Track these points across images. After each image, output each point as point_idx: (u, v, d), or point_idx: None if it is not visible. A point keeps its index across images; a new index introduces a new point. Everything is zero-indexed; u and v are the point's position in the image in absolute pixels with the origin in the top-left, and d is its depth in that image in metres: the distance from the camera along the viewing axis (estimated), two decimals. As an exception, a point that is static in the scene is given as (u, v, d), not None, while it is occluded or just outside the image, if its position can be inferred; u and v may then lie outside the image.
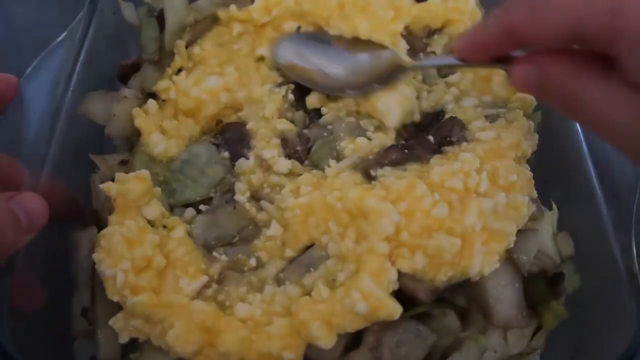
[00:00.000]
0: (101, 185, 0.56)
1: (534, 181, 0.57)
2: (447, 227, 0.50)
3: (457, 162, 0.54)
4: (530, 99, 0.63)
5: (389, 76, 0.61)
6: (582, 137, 0.59)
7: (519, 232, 0.53)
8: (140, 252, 0.52)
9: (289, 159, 0.59)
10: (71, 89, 0.61)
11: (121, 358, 0.54)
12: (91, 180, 0.62)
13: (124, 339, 0.51)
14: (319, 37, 0.65)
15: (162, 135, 0.62)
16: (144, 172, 0.57)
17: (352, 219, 0.52)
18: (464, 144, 0.58)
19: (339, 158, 0.59)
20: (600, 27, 0.36)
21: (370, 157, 0.58)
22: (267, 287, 0.52)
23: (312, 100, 0.64)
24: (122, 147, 0.67)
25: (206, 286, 0.52)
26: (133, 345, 0.53)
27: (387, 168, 0.56)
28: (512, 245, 0.53)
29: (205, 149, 0.61)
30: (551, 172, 0.61)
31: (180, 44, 0.66)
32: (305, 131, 0.62)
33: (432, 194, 0.51)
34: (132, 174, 0.56)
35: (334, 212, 0.52)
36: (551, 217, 0.58)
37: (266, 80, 0.65)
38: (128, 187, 0.55)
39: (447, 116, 0.62)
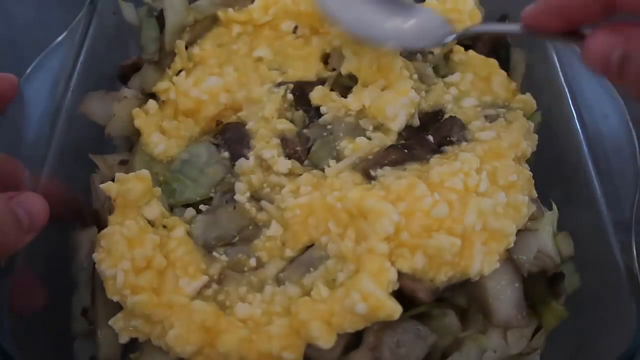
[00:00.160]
0: (101, 185, 0.56)
1: (533, 181, 0.57)
2: (447, 227, 0.50)
3: (456, 162, 0.54)
4: (532, 102, 0.63)
5: (435, 39, 0.59)
6: (582, 137, 0.59)
7: (519, 232, 0.53)
8: (140, 252, 0.52)
9: (289, 159, 0.59)
10: (71, 89, 0.61)
11: (121, 358, 0.54)
12: (91, 180, 0.62)
13: (124, 339, 0.51)
14: None
15: (162, 135, 0.62)
16: (144, 172, 0.57)
17: (351, 219, 0.52)
18: (464, 143, 0.58)
19: (338, 158, 0.59)
20: None
21: (370, 157, 0.58)
22: (267, 287, 0.52)
23: (315, 96, 0.63)
24: (122, 147, 0.67)
25: (206, 286, 0.52)
26: (133, 345, 0.53)
27: (387, 168, 0.56)
28: (512, 245, 0.53)
29: (205, 149, 0.61)
30: (551, 172, 0.62)
31: (180, 44, 0.66)
32: (305, 131, 0.62)
33: (432, 194, 0.51)
34: (132, 174, 0.56)
35: (334, 212, 0.52)
36: (551, 217, 0.58)
37: (265, 81, 0.65)
38: (128, 187, 0.55)
39: (446, 116, 0.62)
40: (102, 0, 0.68)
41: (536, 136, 0.60)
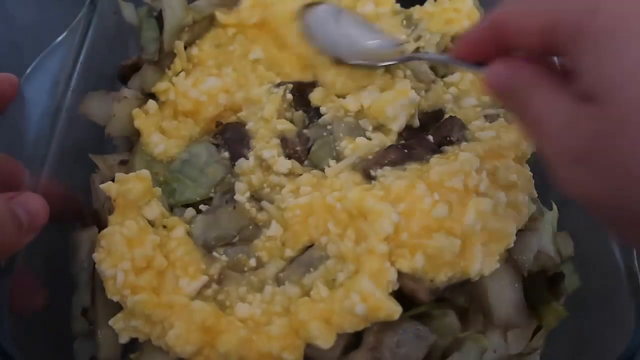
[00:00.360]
0: (101, 185, 0.56)
1: (533, 181, 0.57)
2: (447, 227, 0.50)
3: (456, 161, 0.54)
4: None
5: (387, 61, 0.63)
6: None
7: (519, 232, 0.53)
8: (140, 252, 0.52)
9: (289, 159, 0.59)
10: (71, 89, 0.61)
11: (121, 358, 0.54)
12: (91, 180, 0.62)
13: (124, 339, 0.52)
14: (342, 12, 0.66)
15: (162, 135, 0.62)
16: (144, 172, 0.57)
17: (351, 219, 0.52)
18: (464, 143, 0.58)
19: (338, 158, 0.59)
20: (571, 25, 0.34)
21: (370, 157, 0.58)
22: (267, 287, 0.52)
23: (315, 97, 0.63)
24: (122, 147, 0.67)
25: (206, 286, 0.52)
26: (133, 345, 0.53)
27: (386, 168, 0.56)
28: (512, 245, 0.52)
29: (205, 149, 0.61)
30: (551, 172, 0.61)
31: (179, 45, 0.66)
32: (304, 131, 0.62)
33: (432, 194, 0.51)
34: (132, 174, 0.56)
35: (334, 212, 0.52)
36: (551, 217, 0.58)
37: (263, 81, 0.65)
38: (128, 187, 0.55)
39: (446, 116, 0.62)
40: (102, 0, 0.68)
41: (536, 136, 0.60)
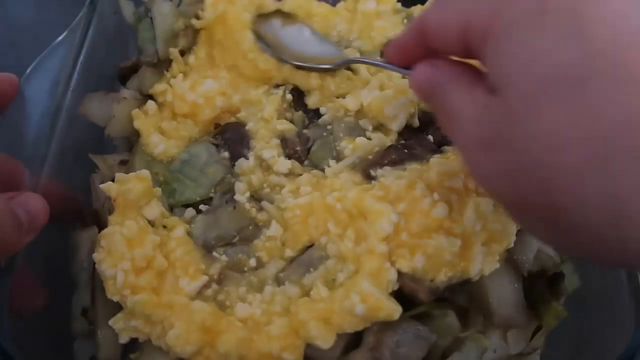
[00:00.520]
0: (101, 186, 0.56)
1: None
2: (447, 227, 0.50)
3: (456, 161, 0.54)
4: None
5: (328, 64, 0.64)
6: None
7: (519, 232, 0.53)
8: (140, 252, 0.52)
9: (289, 159, 0.59)
10: (71, 89, 0.61)
11: (121, 358, 0.54)
12: (91, 180, 0.62)
13: (124, 339, 0.51)
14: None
15: (161, 136, 0.62)
16: (144, 172, 0.57)
17: (351, 220, 0.52)
18: (464, 143, 0.58)
19: (338, 158, 0.59)
20: (479, 27, 0.36)
21: (370, 157, 0.58)
22: (267, 287, 0.52)
23: (312, 101, 0.64)
24: (122, 147, 0.67)
25: (206, 286, 0.52)
26: (133, 345, 0.53)
27: (386, 168, 0.56)
28: (512, 245, 0.52)
29: (205, 149, 0.61)
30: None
31: (174, 52, 0.66)
32: (304, 131, 0.62)
33: (432, 194, 0.51)
34: (132, 174, 0.56)
35: (333, 212, 0.52)
36: (551, 217, 0.58)
37: (261, 82, 0.65)
38: (128, 187, 0.55)
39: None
40: (102, 0, 0.68)
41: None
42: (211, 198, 0.59)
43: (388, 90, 0.61)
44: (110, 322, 0.52)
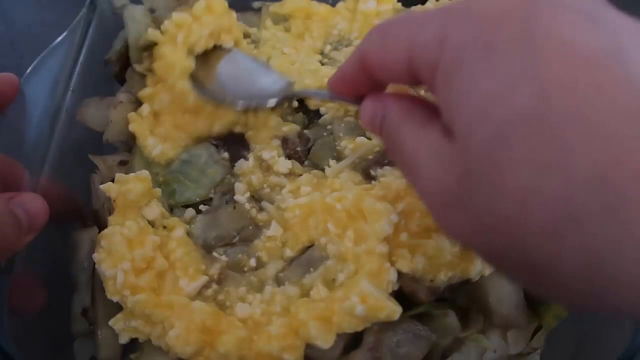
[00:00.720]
0: (101, 186, 0.56)
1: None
2: (447, 227, 0.50)
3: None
4: None
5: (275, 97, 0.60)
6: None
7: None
8: (140, 252, 0.52)
9: (289, 159, 0.59)
10: (71, 89, 0.61)
11: (121, 358, 0.54)
12: (91, 180, 0.62)
13: (124, 339, 0.52)
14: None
15: (157, 138, 0.62)
16: (144, 173, 0.57)
17: (351, 220, 0.52)
18: (464, 143, 0.57)
19: (339, 158, 0.59)
20: (426, 58, 0.33)
21: (370, 156, 0.58)
22: (266, 287, 0.52)
23: (313, 101, 0.64)
24: (122, 148, 0.66)
25: (206, 286, 0.52)
26: (133, 345, 0.53)
27: (387, 168, 0.56)
28: (512, 245, 0.52)
29: (204, 149, 0.61)
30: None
31: (138, 67, 0.63)
32: (305, 131, 0.62)
33: (432, 194, 0.51)
34: (132, 174, 0.56)
35: (333, 212, 0.52)
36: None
37: (204, 134, 0.63)
38: (128, 187, 0.55)
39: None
40: (102, 0, 0.68)
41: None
42: (211, 198, 0.59)
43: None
44: (110, 322, 0.52)
